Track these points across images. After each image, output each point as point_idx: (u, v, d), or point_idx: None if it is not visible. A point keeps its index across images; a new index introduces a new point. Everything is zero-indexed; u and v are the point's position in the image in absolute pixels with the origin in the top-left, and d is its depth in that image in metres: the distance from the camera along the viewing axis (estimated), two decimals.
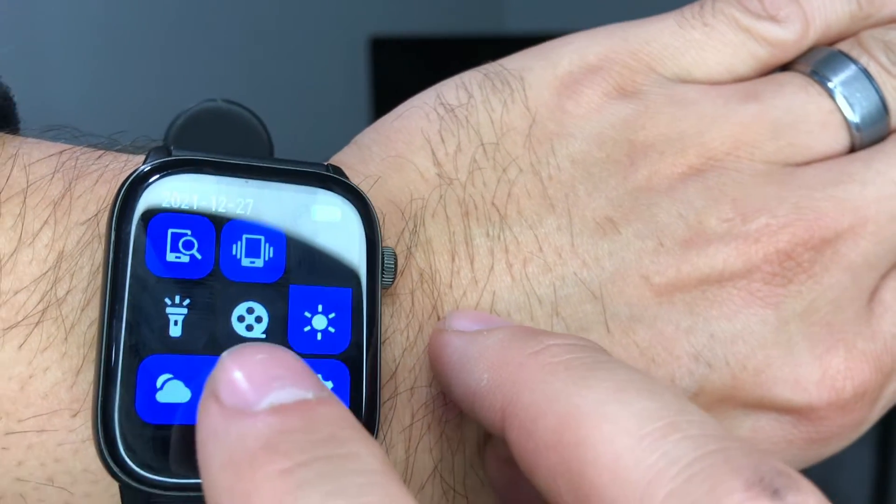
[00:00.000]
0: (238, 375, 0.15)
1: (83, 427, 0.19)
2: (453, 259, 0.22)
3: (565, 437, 0.16)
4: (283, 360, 0.16)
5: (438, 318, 0.22)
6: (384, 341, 0.21)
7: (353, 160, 0.24)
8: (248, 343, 0.17)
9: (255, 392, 0.15)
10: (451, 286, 0.22)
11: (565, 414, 0.16)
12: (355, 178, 0.22)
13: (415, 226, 0.22)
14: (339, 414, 0.15)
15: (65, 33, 1.71)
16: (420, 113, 0.24)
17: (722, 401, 0.23)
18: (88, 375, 0.19)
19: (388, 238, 0.22)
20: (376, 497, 0.14)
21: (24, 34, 1.66)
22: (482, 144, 0.24)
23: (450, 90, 0.25)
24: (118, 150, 0.22)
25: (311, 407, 0.15)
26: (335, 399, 0.16)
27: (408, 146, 0.24)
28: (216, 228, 0.20)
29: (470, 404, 0.19)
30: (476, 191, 0.23)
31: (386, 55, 2.03)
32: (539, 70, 0.25)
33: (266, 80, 1.94)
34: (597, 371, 0.17)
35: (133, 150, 0.22)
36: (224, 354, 0.16)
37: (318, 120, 1.98)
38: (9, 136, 0.21)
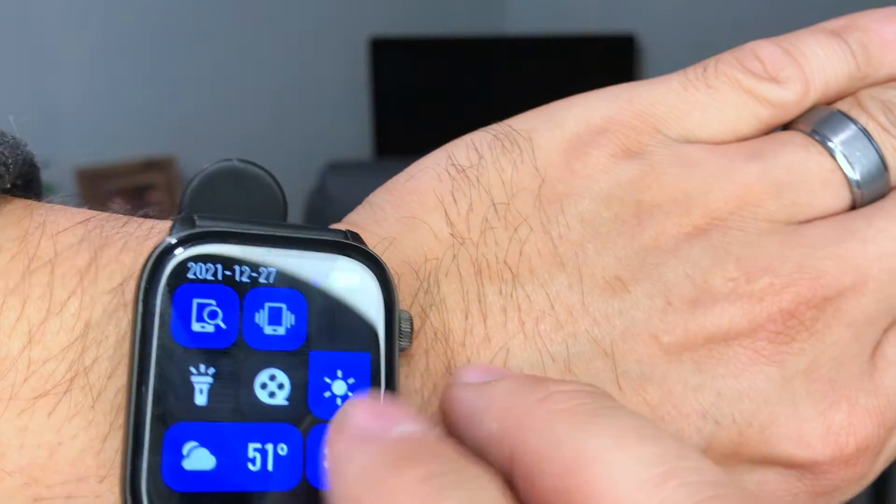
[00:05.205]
0: (363, 414, 0.17)
1: (109, 492, 0.19)
2: (466, 317, 0.23)
3: (569, 481, 0.17)
4: (401, 406, 0.18)
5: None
6: None
7: (366, 221, 0.24)
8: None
9: (383, 424, 0.17)
10: (464, 344, 0.23)
11: (570, 459, 0.17)
12: (370, 240, 0.23)
13: (429, 286, 0.23)
14: (458, 448, 0.17)
15: (62, 33, 1.71)
16: (432, 174, 0.25)
17: (729, 457, 0.23)
18: (114, 442, 0.19)
19: (404, 299, 0.23)
20: None
21: (25, 36, 1.67)
22: (493, 204, 0.24)
23: (460, 151, 0.25)
24: (141, 216, 0.23)
25: (431, 438, 0.17)
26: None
27: (421, 206, 0.24)
28: (240, 297, 0.20)
29: (481, 454, 0.20)
30: (489, 250, 0.24)
31: (386, 55, 2.03)
32: (547, 131, 0.25)
33: (266, 79, 1.94)
34: (600, 416, 0.18)
35: (155, 214, 0.23)
36: (346, 402, 0.18)
37: (317, 119, 1.98)
38: (35, 204, 0.22)
